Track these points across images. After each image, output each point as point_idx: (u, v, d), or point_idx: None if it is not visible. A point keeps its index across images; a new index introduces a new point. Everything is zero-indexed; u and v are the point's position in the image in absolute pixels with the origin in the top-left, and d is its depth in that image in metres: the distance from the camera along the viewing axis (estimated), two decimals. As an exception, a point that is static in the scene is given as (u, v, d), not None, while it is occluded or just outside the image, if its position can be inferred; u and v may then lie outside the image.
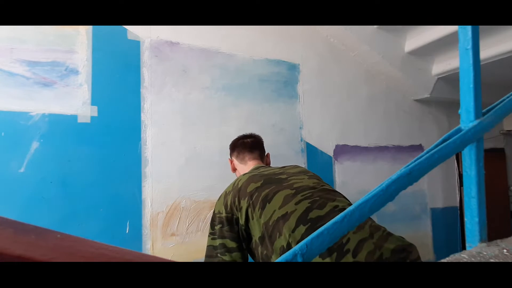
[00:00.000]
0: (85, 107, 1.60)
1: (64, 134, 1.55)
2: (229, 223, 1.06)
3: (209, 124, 1.90)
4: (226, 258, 1.04)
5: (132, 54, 1.73)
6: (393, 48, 2.37)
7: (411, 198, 2.62)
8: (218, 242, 1.06)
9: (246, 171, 1.30)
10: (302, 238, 0.85)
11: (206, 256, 1.10)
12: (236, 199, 1.07)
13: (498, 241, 0.66)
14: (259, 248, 0.98)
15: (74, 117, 1.58)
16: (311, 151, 2.19)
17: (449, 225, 2.82)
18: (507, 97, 0.70)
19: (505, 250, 0.60)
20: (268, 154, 1.45)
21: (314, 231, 0.83)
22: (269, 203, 0.99)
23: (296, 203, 0.95)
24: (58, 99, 1.56)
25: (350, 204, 0.95)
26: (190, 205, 1.79)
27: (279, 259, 0.45)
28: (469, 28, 0.66)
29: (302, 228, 0.89)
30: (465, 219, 0.67)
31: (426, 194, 2.70)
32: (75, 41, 1.61)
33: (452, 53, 2.38)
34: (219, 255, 1.05)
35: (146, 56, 1.76)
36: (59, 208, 1.50)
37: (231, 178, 1.48)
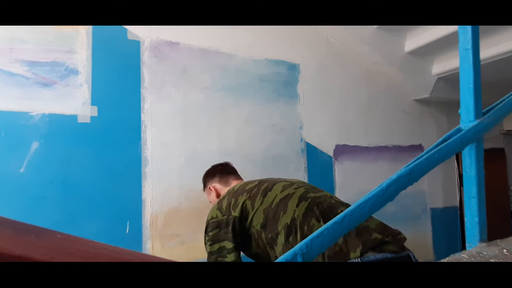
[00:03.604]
0: (85, 107, 1.60)
1: (64, 134, 1.55)
2: (226, 225, 1.11)
3: (209, 124, 1.89)
4: (227, 259, 1.08)
5: (132, 54, 1.73)
6: (393, 48, 2.37)
7: (411, 198, 2.61)
8: (216, 247, 1.11)
9: None
10: (306, 211, 1.02)
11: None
12: (233, 199, 1.15)
13: (498, 241, 0.66)
14: (262, 235, 1.07)
15: (74, 117, 1.58)
16: (311, 151, 2.19)
17: (449, 225, 2.82)
18: (507, 97, 0.70)
19: (505, 250, 0.60)
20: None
21: (314, 205, 0.99)
22: (270, 191, 1.13)
23: (295, 188, 1.12)
24: (58, 99, 1.55)
25: (332, 197, 1.14)
26: (190, 205, 1.79)
27: (279, 259, 0.45)
28: (469, 28, 0.66)
29: (304, 204, 1.04)
30: (465, 219, 0.67)
31: (426, 194, 2.70)
32: (75, 41, 1.61)
33: (452, 53, 2.38)
34: (219, 258, 1.10)
35: (146, 56, 1.76)
36: (59, 208, 1.50)
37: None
